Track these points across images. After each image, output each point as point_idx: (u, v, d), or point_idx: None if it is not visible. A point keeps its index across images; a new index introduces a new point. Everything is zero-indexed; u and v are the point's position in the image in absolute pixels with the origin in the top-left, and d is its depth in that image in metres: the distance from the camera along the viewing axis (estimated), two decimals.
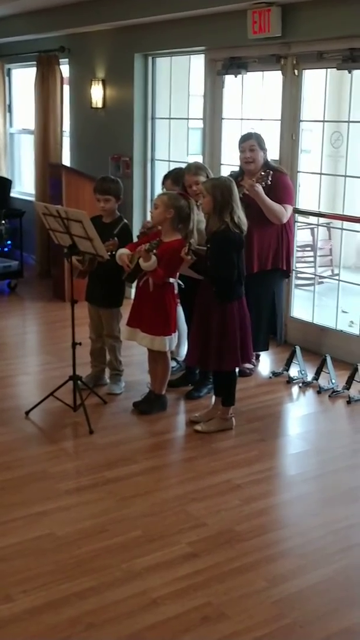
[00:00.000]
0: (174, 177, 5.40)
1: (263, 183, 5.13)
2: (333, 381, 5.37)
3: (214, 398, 4.97)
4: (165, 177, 5.52)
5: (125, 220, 5.16)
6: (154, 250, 4.49)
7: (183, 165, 5.52)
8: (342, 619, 3.00)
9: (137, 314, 4.82)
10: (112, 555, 3.40)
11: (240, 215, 4.44)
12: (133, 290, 4.96)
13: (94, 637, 2.88)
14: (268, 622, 2.98)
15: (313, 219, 6.83)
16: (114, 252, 4.71)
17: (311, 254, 9.16)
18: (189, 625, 2.94)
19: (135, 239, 5.06)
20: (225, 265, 4.39)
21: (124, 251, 4.72)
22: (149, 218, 7.29)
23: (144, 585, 3.18)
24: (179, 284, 4.87)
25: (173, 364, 5.22)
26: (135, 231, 5.30)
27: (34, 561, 3.34)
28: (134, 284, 4.94)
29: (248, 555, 3.41)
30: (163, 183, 5.53)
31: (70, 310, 4.77)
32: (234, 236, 4.41)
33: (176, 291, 4.85)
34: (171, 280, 4.76)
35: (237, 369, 4.81)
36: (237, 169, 5.66)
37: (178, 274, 4.82)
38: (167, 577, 3.24)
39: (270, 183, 5.16)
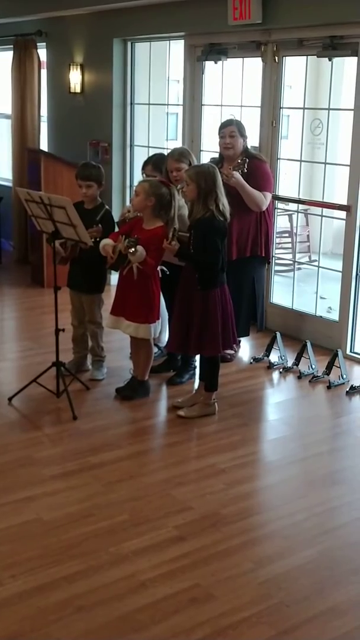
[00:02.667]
0: (155, 163, 5.40)
1: (239, 171, 5.16)
2: (313, 366, 5.44)
3: (196, 383, 5.02)
4: (146, 163, 5.51)
5: (107, 207, 5.16)
6: (133, 249, 4.46)
7: (162, 151, 5.51)
8: (327, 598, 3.07)
9: (121, 302, 4.82)
10: (100, 539, 3.43)
11: (224, 202, 4.46)
12: (114, 277, 4.95)
13: (84, 620, 2.91)
14: (255, 602, 3.03)
15: (292, 206, 6.87)
16: (97, 239, 4.71)
17: (289, 240, 9.25)
18: (178, 606, 2.99)
19: (116, 228, 5.05)
20: (211, 252, 4.41)
21: (107, 241, 4.70)
22: (127, 204, 7.31)
23: (132, 568, 3.22)
24: (162, 271, 4.89)
25: (155, 350, 5.24)
26: (116, 218, 5.29)
27: (21, 546, 3.36)
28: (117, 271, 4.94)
29: (234, 537, 3.46)
30: (143, 169, 5.52)
31: (50, 296, 4.78)
32: (218, 223, 4.43)
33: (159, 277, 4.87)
34: None
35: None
36: (217, 155, 5.68)
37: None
38: (155, 560, 3.28)
39: (246, 171, 5.18)
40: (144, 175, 5.38)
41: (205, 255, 4.42)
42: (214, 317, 4.53)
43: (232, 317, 4.67)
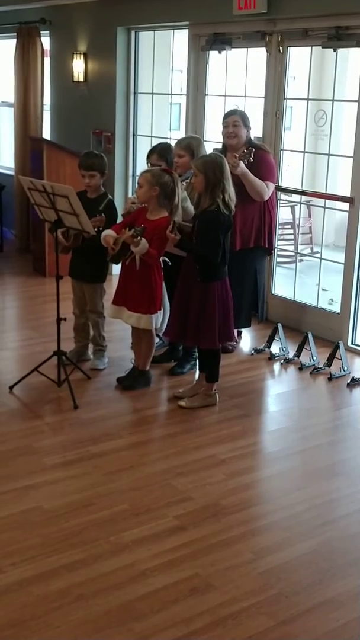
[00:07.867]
0: (160, 152, 5.38)
1: (245, 160, 5.15)
2: (314, 358, 5.44)
3: (197, 374, 5.02)
4: (151, 152, 5.48)
5: (110, 196, 5.15)
6: (139, 237, 4.45)
7: (166, 141, 5.49)
8: (326, 589, 3.08)
9: (123, 292, 4.82)
10: (100, 528, 3.44)
11: (231, 193, 4.42)
12: (116, 266, 4.94)
13: (84, 608, 2.92)
14: (254, 592, 3.05)
15: (295, 197, 6.86)
16: (100, 229, 4.70)
17: (291, 231, 9.23)
18: (177, 596, 3.00)
19: (120, 218, 5.04)
20: (212, 246, 4.39)
21: (109, 232, 4.69)
22: (130, 194, 7.31)
23: (132, 557, 3.23)
24: (164, 262, 4.88)
25: (156, 340, 5.24)
26: (119, 207, 5.27)
27: (22, 534, 3.37)
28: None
29: (234, 528, 3.47)
30: (148, 158, 5.49)
31: (51, 285, 4.77)
32: (223, 217, 4.39)
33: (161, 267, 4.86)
34: None
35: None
36: (220, 145, 5.66)
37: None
38: (155, 549, 3.29)
39: (252, 160, 5.17)
40: (149, 164, 5.36)
41: (206, 248, 4.41)
42: (212, 310, 4.51)
43: (231, 311, 4.66)
